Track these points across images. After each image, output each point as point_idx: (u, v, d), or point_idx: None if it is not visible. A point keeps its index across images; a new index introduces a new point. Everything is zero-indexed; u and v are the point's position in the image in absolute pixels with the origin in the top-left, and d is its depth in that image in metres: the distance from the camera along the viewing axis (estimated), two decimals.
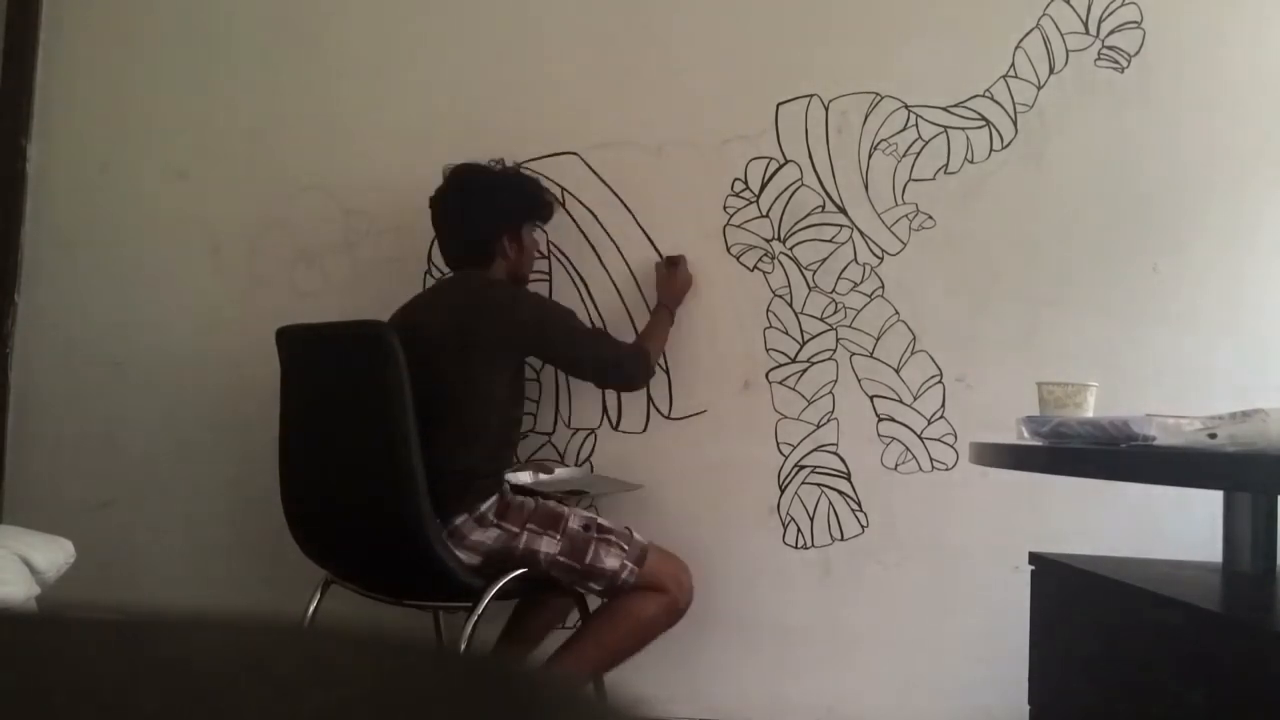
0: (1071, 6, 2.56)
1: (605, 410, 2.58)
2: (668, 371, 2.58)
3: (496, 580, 1.97)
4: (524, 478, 2.24)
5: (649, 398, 2.57)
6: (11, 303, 2.61)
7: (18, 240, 2.62)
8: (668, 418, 2.58)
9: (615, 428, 2.58)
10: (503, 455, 2.21)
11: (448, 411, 2.07)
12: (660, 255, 2.58)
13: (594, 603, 2.20)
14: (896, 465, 2.53)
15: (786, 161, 2.58)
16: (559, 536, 2.07)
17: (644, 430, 2.57)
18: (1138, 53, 2.54)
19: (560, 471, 2.33)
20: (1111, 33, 2.55)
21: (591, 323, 2.55)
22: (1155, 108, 2.53)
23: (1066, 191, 2.54)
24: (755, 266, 2.57)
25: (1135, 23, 2.54)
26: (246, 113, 2.71)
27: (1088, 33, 2.55)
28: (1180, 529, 2.42)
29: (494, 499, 2.08)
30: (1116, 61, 2.55)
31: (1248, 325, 2.50)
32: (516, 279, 2.32)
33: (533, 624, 2.38)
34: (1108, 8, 2.55)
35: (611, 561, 2.08)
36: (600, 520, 2.17)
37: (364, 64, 2.69)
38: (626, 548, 2.12)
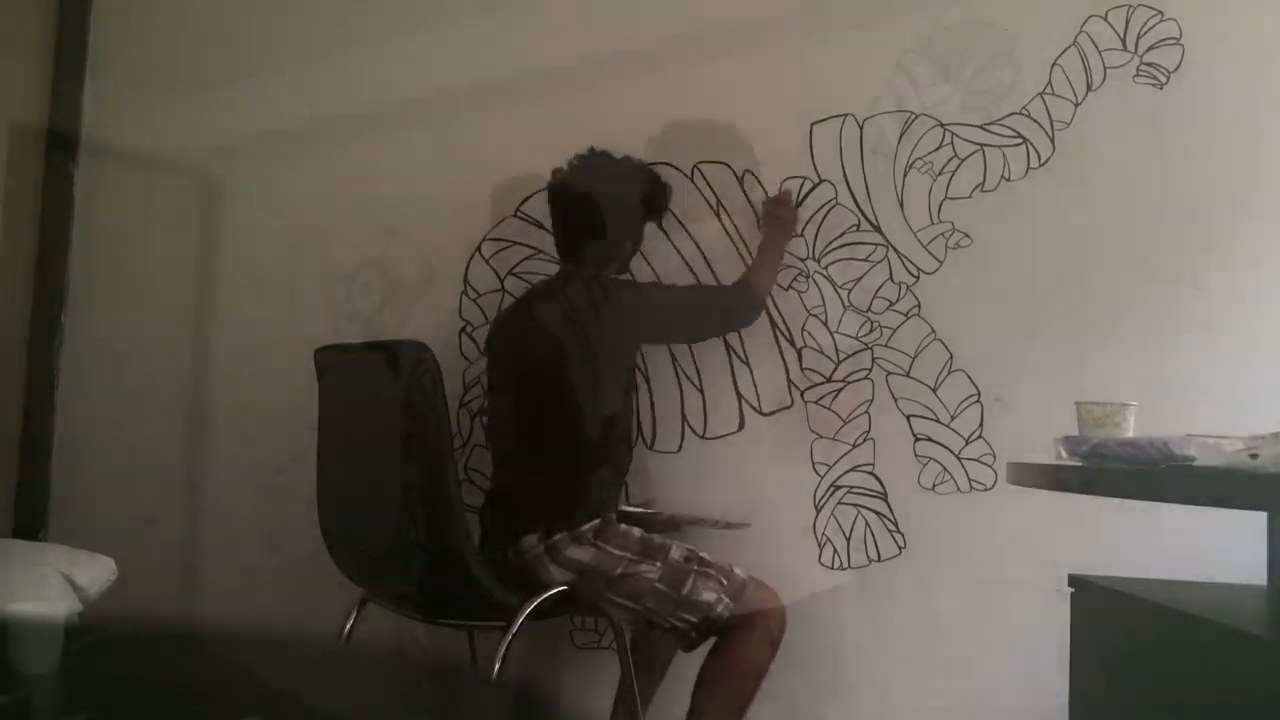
0: (1109, 23, 2.54)
1: (639, 429, 2.58)
2: (701, 391, 2.58)
3: (531, 600, 1.97)
4: (630, 507, 2.26)
5: (683, 416, 2.58)
6: (59, 324, 2.67)
7: (64, 263, 2.68)
8: (702, 437, 2.58)
9: (650, 446, 2.58)
10: (613, 475, 2.21)
11: (559, 425, 2.11)
12: (695, 274, 2.59)
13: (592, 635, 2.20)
14: (934, 485, 2.51)
15: (821, 181, 2.58)
16: (659, 564, 2.08)
17: (679, 450, 2.57)
18: (1177, 69, 2.52)
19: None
20: (1150, 49, 2.53)
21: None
22: (1195, 124, 2.50)
23: (1106, 208, 2.52)
24: (790, 286, 2.56)
25: (1174, 39, 2.52)
26: (287, 136, 2.75)
27: (1125, 49, 2.54)
28: (1224, 551, 2.37)
29: (597, 521, 2.09)
30: (1155, 78, 2.52)
31: None
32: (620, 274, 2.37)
33: (657, 657, 2.37)
34: (1146, 24, 2.53)
35: (709, 595, 2.08)
36: (702, 554, 2.17)
37: (401, 89, 2.72)
38: (725, 582, 2.12)
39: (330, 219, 2.72)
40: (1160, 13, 2.52)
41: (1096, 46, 2.54)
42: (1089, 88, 2.54)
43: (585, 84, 2.66)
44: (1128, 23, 2.53)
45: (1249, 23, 2.51)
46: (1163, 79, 2.52)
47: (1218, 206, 2.49)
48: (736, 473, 2.55)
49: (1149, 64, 2.52)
